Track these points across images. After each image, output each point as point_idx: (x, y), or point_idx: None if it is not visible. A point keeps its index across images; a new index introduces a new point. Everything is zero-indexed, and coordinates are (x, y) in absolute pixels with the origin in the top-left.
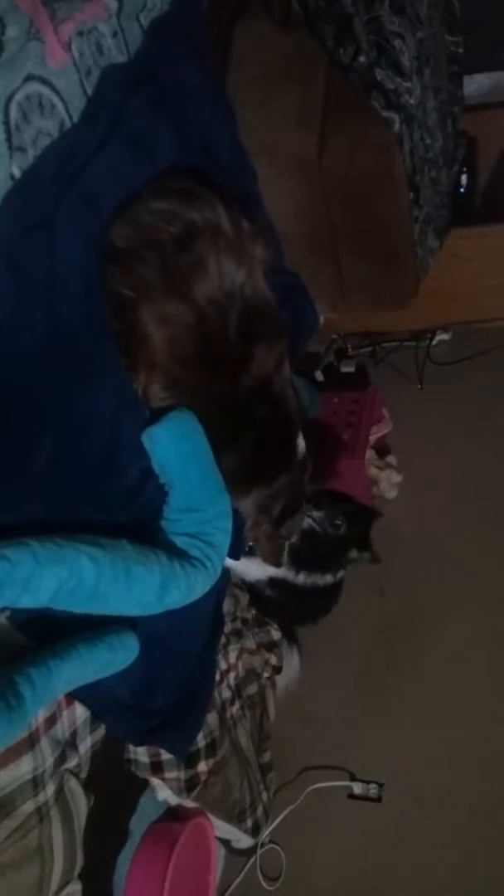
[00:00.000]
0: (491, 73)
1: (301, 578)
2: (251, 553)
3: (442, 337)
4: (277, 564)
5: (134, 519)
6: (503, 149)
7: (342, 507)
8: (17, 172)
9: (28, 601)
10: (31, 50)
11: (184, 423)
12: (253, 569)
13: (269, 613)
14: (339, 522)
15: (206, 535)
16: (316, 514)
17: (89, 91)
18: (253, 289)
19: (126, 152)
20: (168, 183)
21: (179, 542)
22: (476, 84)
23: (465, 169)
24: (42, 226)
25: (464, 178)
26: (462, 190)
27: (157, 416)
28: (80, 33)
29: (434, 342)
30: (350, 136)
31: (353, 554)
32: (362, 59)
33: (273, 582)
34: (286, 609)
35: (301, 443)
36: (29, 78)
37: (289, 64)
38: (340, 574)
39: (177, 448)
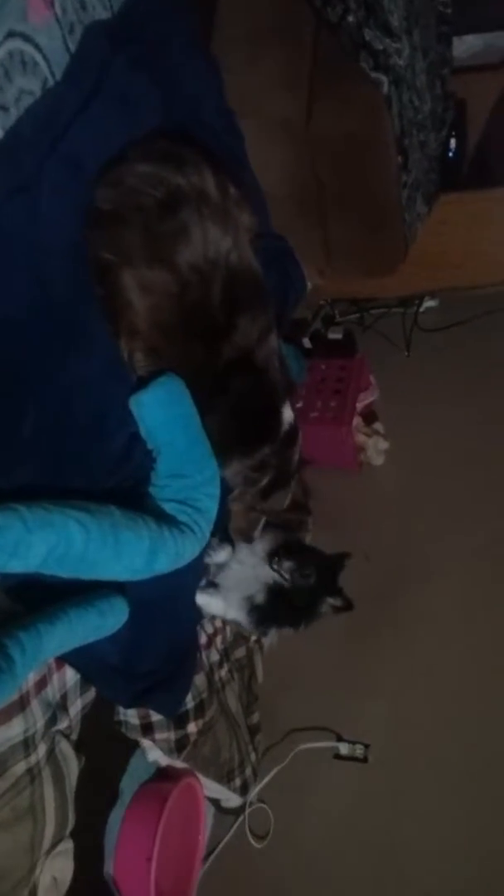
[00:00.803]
0: (481, 34)
1: (269, 638)
2: (212, 587)
3: (430, 303)
4: (248, 539)
5: (122, 485)
6: (492, 111)
7: (310, 557)
8: None
9: (17, 566)
10: (13, 6)
11: (171, 388)
12: (213, 605)
13: None
14: (308, 573)
15: (194, 500)
16: (286, 564)
17: (72, 48)
18: (238, 257)
19: (110, 112)
20: (155, 145)
21: (168, 507)
22: (466, 45)
23: (454, 132)
24: (25, 188)
25: (453, 141)
26: (451, 154)
27: (144, 381)
28: None
29: (422, 309)
30: (337, 97)
31: (327, 604)
32: (351, 18)
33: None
34: None
35: (288, 414)
36: (10, 35)
37: (276, 23)
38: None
39: (164, 414)
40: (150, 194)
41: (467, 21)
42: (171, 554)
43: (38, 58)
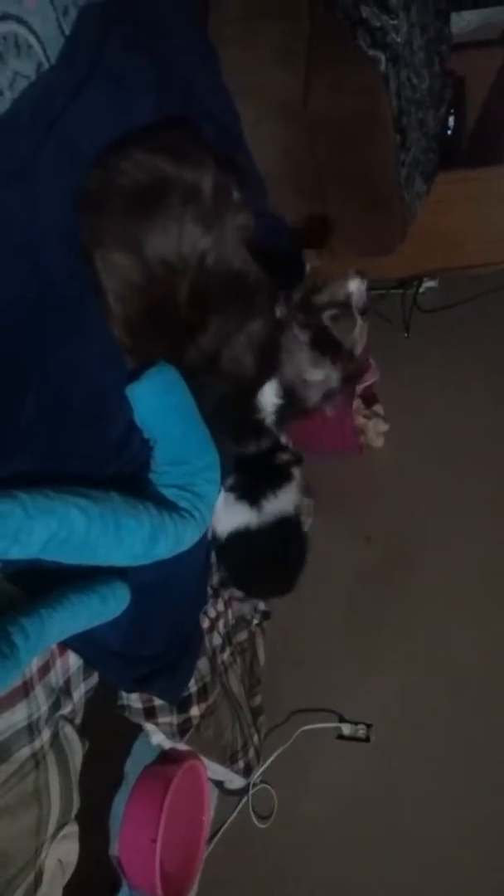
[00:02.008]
0: (479, 10)
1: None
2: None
3: (429, 284)
4: None
5: (122, 471)
6: (491, 88)
7: None
8: None
9: (18, 552)
10: None
11: (164, 378)
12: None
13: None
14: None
15: (194, 486)
16: None
17: (67, 31)
18: (217, 258)
19: (105, 94)
20: (161, 136)
21: (168, 493)
22: (464, 21)
23: (452, 110)
24: (21, 172)
25: (451, 119)
26: (449, 132)
27: (138, 371)
28: None
29: (421, 289)
30: (335, 75)
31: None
32: None
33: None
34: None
35: (268, 397)
36: (4, 17)
37: (272, 2)
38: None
39: (157, 405)
40: (133, 177)
41: None
42: (172, 539)
43: (33, 40)
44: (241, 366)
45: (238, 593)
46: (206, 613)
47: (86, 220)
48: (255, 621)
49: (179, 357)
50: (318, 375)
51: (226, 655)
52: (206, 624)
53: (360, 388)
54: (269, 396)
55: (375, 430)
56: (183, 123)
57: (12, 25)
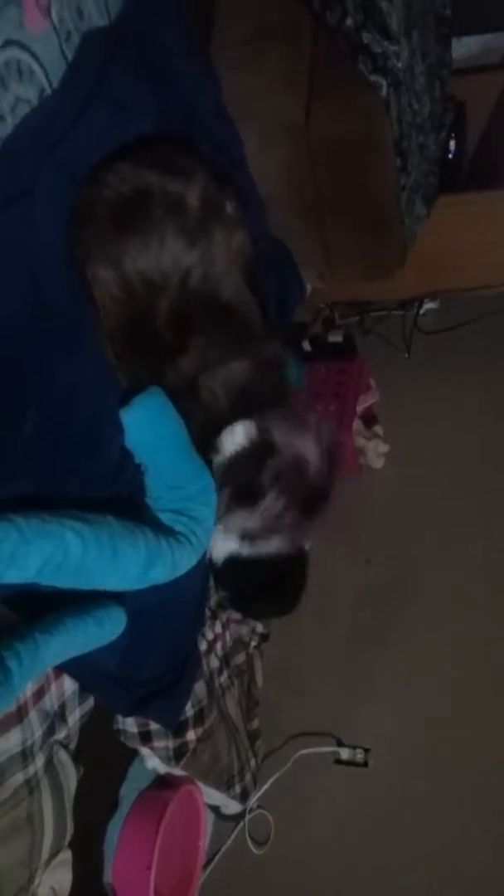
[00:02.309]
0: (480, 36)
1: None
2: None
3: (430, 305)
4: None
5: (119, 494)
6: (492, 114)
7: None
8: None
9: (14, 576)
10: (9, 15)
11: (153, 404)
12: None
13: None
14: None
15: (190, 510)
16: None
17: (70, 56)
18: (203, 276)
19: (107, 119)
20: (150, 149)
21: (164, 517)
22: (465, 47)
23: (453, 134)
24: (22, 195)
25: (452, 143)
26: (450, 156)
27: (128, 396)
28: None
29: (422, 311)
30: (336, 100)
31: None
32: (349, 21)
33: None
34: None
35: (235, 439)
36: (7, 43)
37: (274, 27)
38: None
39: (145, 433)
40: (117, 189)
41: (466, 23)
42: (168, 564)
43: (35, 66)
44: (215, 399)
45: (236, 615)
46: (203, 636)
47: (75, 235)
48: (253, 643)
49: (159, 377)
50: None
51: (223, 678)
52: (203, 646)
53: (360, 408)
54: (236, 437)
55: (375, 451)
56: (179, 141)
57: (15, 51)
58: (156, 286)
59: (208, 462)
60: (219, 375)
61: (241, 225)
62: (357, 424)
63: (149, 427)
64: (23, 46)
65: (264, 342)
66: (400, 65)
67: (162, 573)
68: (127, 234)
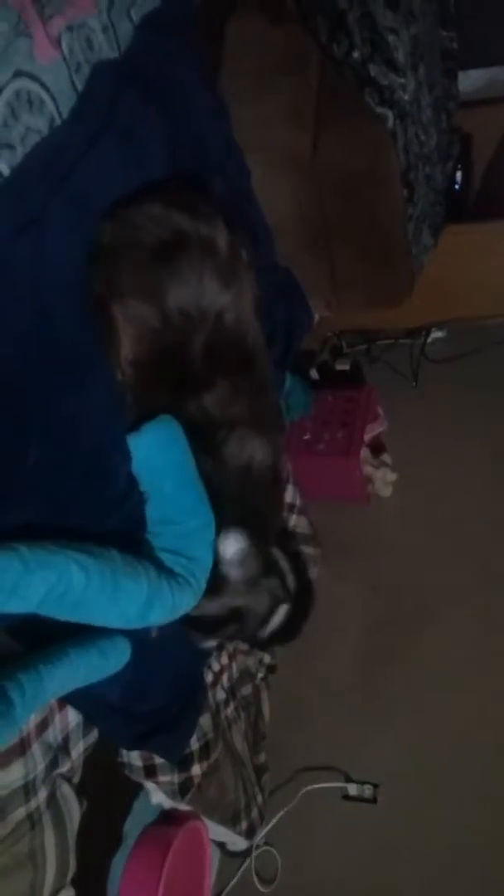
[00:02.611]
0: (486, 69)
1: None
2: None
3: (437, 334)
4: None
5: (123, 525)
6: (498, 145)
7: None
8: (5, 170)
9: (16, 606)
10: (19, 46)
11: (162, 434)
12: None
13: None
14: None
15: (187, 549)
16: None
17: (79, 87)
18: (235, 320)
19: (117, 150)
20: (174, 194)
21: (164, 558)
22: (471, 80)
23: (459, 166)
24: (31, 226)
25: (459, 174)
26: (457, 187)
27: (138, 423)
28: (70, 28)
29: (429, 340)
30: (343, 132)
31: None
32: (356, 54)
33: None
34: None
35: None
36: (17, 74)
37: (282, 59)
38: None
39: (152, 460)
40: (151, 232)
41: (472, 56)
42: (168, 606)
43: (45, 96)
44: (231, 466)
45: (243, 646)
46: (209, 667)
47: (101, 273)
48: (260, 675)
49: (179, 408)
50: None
51: (229, 711)
52: (209, 678)
53: (368, 436)
54: (231, 545)
55: (383, 480)
56: (193, 179)
57: (25, 82)
58: (194, 320)
59: None
60: (243, 443)
61: (253, 274)
62: (365, 453)
63: (158, 451)
64: (33, 77)
65: (279, 427)
66: (406, 97)
67: (160, 615)
68: (167, 273)
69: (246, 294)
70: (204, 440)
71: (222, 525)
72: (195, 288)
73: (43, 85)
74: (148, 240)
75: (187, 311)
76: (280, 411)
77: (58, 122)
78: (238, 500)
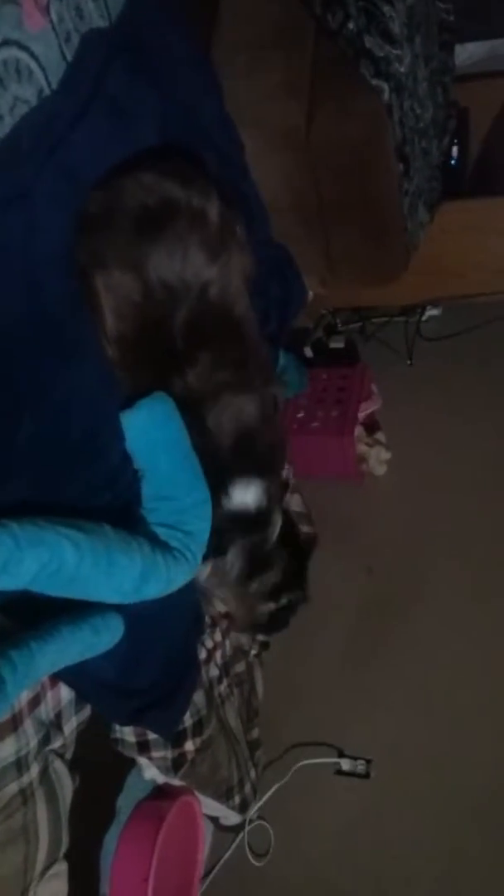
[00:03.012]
0: (484, 42)
1: None
2: None
3: (432, 312)
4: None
5: (116, 502)
6: (495, 120)
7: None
8: None
9: (7, 583)
10: (7, 13)
11: (159, 408)
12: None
13: None
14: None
15: (183, 524)
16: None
17: (69, 57)
18: (221, 293)
19: (107, 121)
20: (169, 163)
21: (159, 532)
22: (468, 53)
23: (456, 140)
24: (21, 198)
25: (455, 149)
26: (453, 162)
27: (132, 399)
28: None
29: (424, 317)
30: (338, 105)
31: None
32: (351, 25)
33: None
34: None
35: (251, 496)
36: (5, 42)
37: (276, 31)
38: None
39: (148, 435)
40: (139, 200)
41: (470, 28)
42: (163, 580)
43: (34, 66)
44: (220, 432)
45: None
46: (203, 644)
47: (86, 242)
48: (254, 652)
49: (165, 387)
50: None
51: (223, 687)
52: (202, 655)
53: (362, 415)
54: (248, 496)
55: (377, 458)
56: (186, 151)
57: (13, 51)
58: (176, 293)
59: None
60: (228, 409)
61: (248, 249)
62: (359, 431)
63: (154, 428)
64: (21, 46)
65: (269, 380)
66: (403, 69)
67: (156, 589)
68: (152, 242)
69: (235, 267)
70: (191, 413)
71: (229, 480)
72: (180, 259)
73: (32, 54)
74: (134, 206)
75: (170, 283)
76: (273, 363)
77: (47, 92)
78: (237, 458)
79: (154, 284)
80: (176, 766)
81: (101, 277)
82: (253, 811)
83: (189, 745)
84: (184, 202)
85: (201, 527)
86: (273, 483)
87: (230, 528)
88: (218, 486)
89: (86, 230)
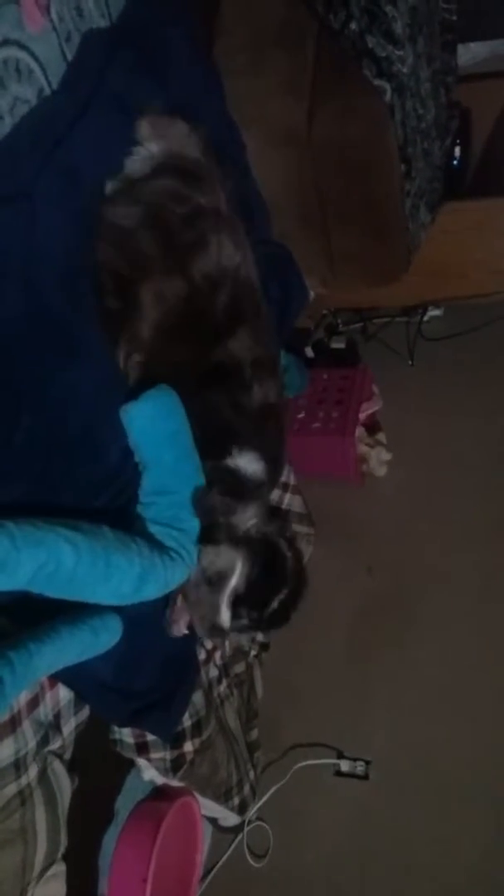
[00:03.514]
0: (486, 42)
1: None
2: None
3: (434, 313)
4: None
5: (114, 502)
6: (498, 120)
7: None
8: None
9: (4, 584)
10: (7, 13)
11: (161, 401)
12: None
13: None
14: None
15: (179, 520)
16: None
17: (69, 56)
18: (247, 273)
19: (108, 121)
20: (170, 161)
21: (155, 531)
22: (471, 53)
23: (458, 141)
24: (21, 197)
25: (457, 150)
26: (455, 162)
27: (136, 393)
28: None
29: (426, 318)
30: (340, 105)
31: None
32: (353, 25)
33: None
34: None
35: (255, 466)
36: (5, 42)
37: (278, 30)
38: None
39: (151, 428)
40: (172, 210)
41: (472, 29)
42: (161, 582)
43: (34, 66)
44: (251, 405)
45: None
46: (202, 644)
47: (123, 256)
48: (253, 653)
49: (202, 357)
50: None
51: (222, 688)
52: (202, 655)
53: (363, 415)
54: (252, 465)
55: (378, 459)
56: None
57: (13, 51)
58: (216, 282)
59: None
60: (263, 385)
61: (241, 224)
62: (360, 432)
63: (160, 419)
64: (21, 45)
65: (279, 369)
66: (405, 70)
67: (154, 590)
68: (191, 245)
69: (248, 249)
70: (233, 380)
71: (242, 447)
72: (216, 253)
73: (32, 54)
74: (172, 220)
75: (211, 275)
76: (277, 359)
77: (47, 91)
78: (257, 434)
79: (198, 280)
80: (175, 767)
81: (147, 285)
82: (252, 812)
83: (188, 746)
84: (206, 203)
85: (194, 522)
86: (272, 470)
87: (218, 479)
88: (228, 446)
89: (124, 244)
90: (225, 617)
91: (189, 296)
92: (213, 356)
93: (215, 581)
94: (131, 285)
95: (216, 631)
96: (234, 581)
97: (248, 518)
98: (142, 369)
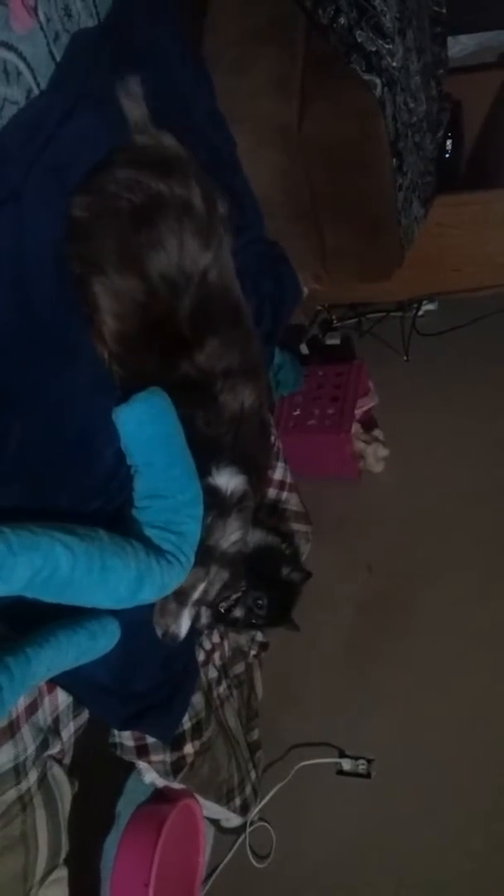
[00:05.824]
0: (476, 35)
1: None
2: None
3: (428, 307)
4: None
5: (109, 505)
6: (489, 112)
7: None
8: None
9: (1, 589)
10: None
11: (152, 404)
12: None
13: None
14: (260, 602)
15: (176, 524)
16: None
17: (58, 57)
18: (219, 276)
19: (97, 121)
20: (143, 151)
21: (151, 534)
22: (460, 45)
23: (449, 134)
24: (9, 199)
25: (449, 143)
26: (447, 155)
27: (127, 396)
28: None
29: (420, 313)
30: (330, 100)
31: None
32: (342, 20)
33: None
34: None
35: (234, 481)
36: None
37: (267, 26)
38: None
39: (142, 431)
40: (127, 199)
41: (462, 21)
42: (157, 585)
43: (22, 66)
44: (227, 416)
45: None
46: (201, 646)
47: (78, 249)
48: (253, 653)
49: (171, 369)
50: None
51: (222, 689)
52: (201, 657)
53: (359, 412)
54: (232, 482)
55: (375, 455)
56: None
57: (1, 52)
58: (178, 286)
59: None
60: (237, 394)
61: (230, 224)
62: (356, 428)
63: (150, 422)
64: (9, 47)
65: (263, 373)
66: (395, 64)
67: (150, 594)
68: (147, 242)
69: (225, 248)
70: (201, 393)
71: (220, 463)
72: (177, 252)
73: (20, 55)
74: (124, 208)
75: (171, 277)
76: (263, 359)
77: (36, 92)
78: (232, 446)
79: (156, 281)
80: (175, 769)
81: (99, 283)
82: (254, 813)
83: (188, 748)
84: (167, 194)
85: (193, 527)
86: (256, 484)
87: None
88: (207, 464)
89: (76, 237)
90: (184, 628)
91: (147, 301)
92: (180, 368)
93: (178, 594)
94: (84, 281)
95: (170, 637)
96: (197, 595)
97: (230, 533)
98: (119, 378)
